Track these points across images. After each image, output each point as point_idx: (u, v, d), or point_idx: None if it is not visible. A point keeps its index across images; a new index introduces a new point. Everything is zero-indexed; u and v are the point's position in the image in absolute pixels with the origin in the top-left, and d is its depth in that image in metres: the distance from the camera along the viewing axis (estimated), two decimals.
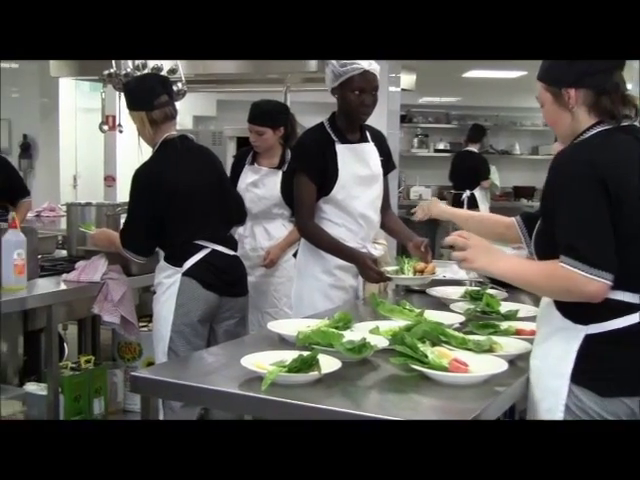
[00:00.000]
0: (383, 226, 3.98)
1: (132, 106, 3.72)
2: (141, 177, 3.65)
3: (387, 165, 3.90)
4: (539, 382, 2.32)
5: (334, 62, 3.66)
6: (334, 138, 3.70)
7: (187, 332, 3.59)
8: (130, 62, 5.18)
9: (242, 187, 4.81)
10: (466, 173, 9.75)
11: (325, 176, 3.69)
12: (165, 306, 3.63)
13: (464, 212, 3.32)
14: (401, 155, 7.83)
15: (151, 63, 5.17)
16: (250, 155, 4.88)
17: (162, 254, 3.69)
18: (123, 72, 5.12)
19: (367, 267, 3.54)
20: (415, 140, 11.43)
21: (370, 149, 3.81)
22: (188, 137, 3.82)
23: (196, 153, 3.84)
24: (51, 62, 6.54)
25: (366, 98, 3.65)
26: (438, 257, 6.65)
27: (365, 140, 3.82)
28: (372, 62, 3.65)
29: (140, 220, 3.65)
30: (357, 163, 3.73)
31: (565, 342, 2.25)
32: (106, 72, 5.18)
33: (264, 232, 4.79)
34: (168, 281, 3.64)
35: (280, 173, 4.78)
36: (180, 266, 3.62)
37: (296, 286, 3.85)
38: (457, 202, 9.80)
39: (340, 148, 3.69)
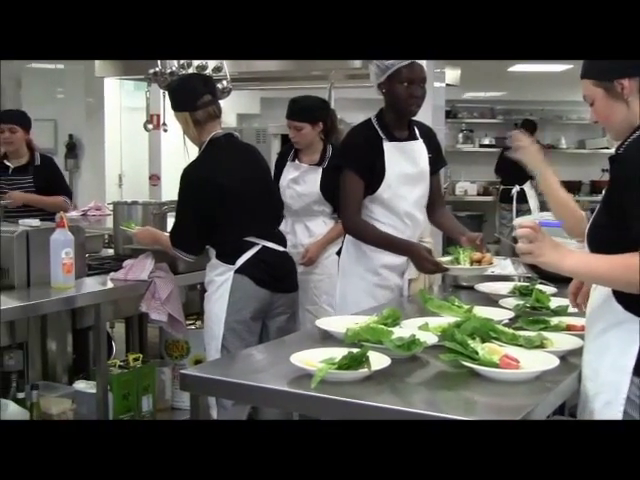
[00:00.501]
0: (435, 222, 3.93)
1: (176, 107, 3.73)
2: (190, 176, 3.65)
3: (437, 161, 3.86)
4: (596, 377, 2.28)
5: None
6: (382, 135, 3.66)
7: (240, 329, 3.59)
8: (175, 61, 5.20)
9: (284, 184, 4.81)
10: (515, 168, 9.63)
11: (372, 173, 3.65)
12: (217, 304, 3.63)
13: (556, 182, 3.12)
14: (446, 151, 7.74)
15: (196, 62, 5.19)
16: (292, 152, 4.87)
17: (213, 252, 3.69)
18: (168, 71, 5.15)
19: (422, 258, 3.48)
20: (460, 135, 11.35)
21: (418, 147, 3.76)
22: (234, 135, 3.82)
23: (242, 151, 3.84)
24: (96, 62, 6.60)
25: (415, 90, 3.60)
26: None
27: (413, 137, 3.77)
28: None
29: (190, 219, 3.65)
30: (404, 161, 3.68)
31: (627, 335, 2.21)
32: (151, 71, 5.21)
33: (305, 229, 4.79)
34: (220, 279, 3.64)
35: (320, 170, 4.76)
36: (232, 263, 3.61)
37: (340, 285, 3.83)
38: (506, 198, 9.70)
39: (388, 146, 3.65)
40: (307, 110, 4.75)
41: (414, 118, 3.77)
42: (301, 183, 4.79)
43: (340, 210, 3.83)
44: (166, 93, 5.54)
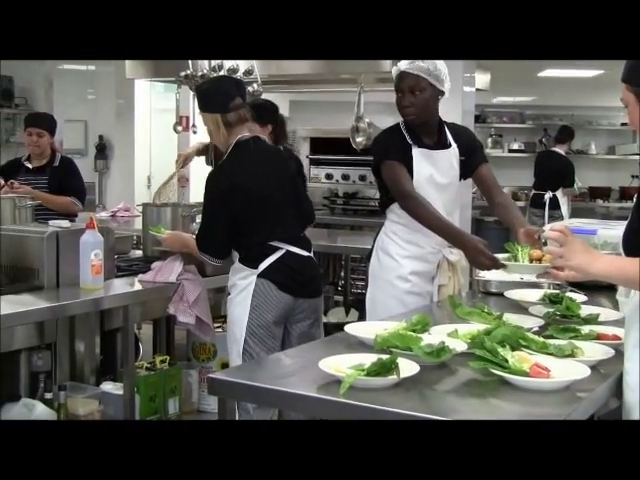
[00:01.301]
0: (496, 214, 3.84)
1: (207, 108, 3.70)
2: (216, 179, 3.64)
3: (472, 159, 3.80)
4: (637, 386, 2.25)
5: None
6: (410, 141, 3.66)
7: (262, 334, 3.57)
8: (207, 63, 5.22)
9: None
10: (551, 174, 9.58)
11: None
12: (239, 308, 3.61)
13: None
14: None
15: (227, 64, 5.20)
16: None
17: (236, 255, 3.67)
18: (199, 73, 5.16)
19: (479, 251, 3.35)
20: (489, 140, 11.29)
21: (447, 156, 3.74)
22: (260, 138, 3.80)
23: (269, 154, 3.82)
24: (127, 64, 6.64)
25: (404, 99, 3.63)
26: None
27: (443, 144, 3.75)
28: (418, 62, 3.59)
29: (216, 223, 3.63)
30: (432, 169, 3.67)
31: None
32: (183, 74, 5.22)
33: None
34: (243, 283, 3.62)
35: None
36: (255, 267, 3.59)
37: (370, 291, 3.82)
38: (538, 203, 9.65)
39: (416, 152, 3.64)
40: (256, 110, 4.67)
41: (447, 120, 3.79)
42: None
43: (397, 198, 3.68)
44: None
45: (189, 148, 5.13)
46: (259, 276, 3.58)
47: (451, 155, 3.76)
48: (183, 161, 5.27)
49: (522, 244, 3.26)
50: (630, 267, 2.23)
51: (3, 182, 5.44)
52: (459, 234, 3.54)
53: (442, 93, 3.68)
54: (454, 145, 3.76)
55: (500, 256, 3.33)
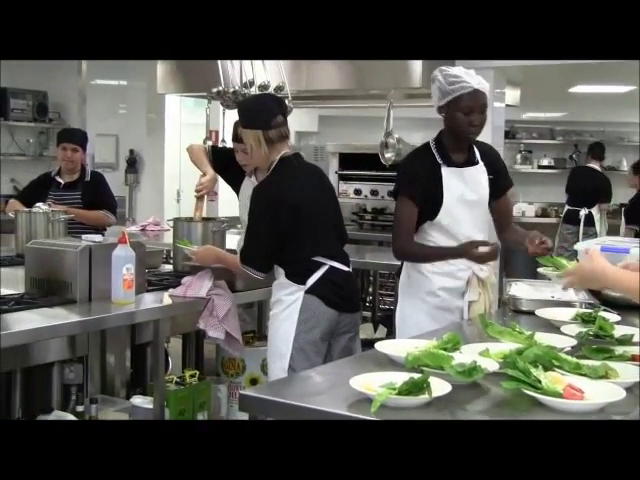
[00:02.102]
0: (504, 240, 3.96)
1: (249, 124, 3.71)
2: (263, 195, 3.65)
3: (501, 183, 3.85)
4: None
5: (441, 79, 3.60)
6: (439, 161, 3.66)
7: (308, 350, 3.57)
8: (238, 79, 5.24)
9: (242, 199, 4.62)
10: (586, 190, 9.48)
11: (429, 200, 3.66)
12: (285, 324, 3.61)
13: None
14: None
15: (258, 80, 5.22)
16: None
17: (281, 272, 3.67)
18: (231, 90, 5.18)
19: (472, 245, 3.60)
20: (518, 156, 11.27)
21: (477, 172, 3.76)
22: (300, 155, 3.82)
23: (310, 170, 3.84)
24: (158, 79, 6.71)
25: (475, 118, 3.60)
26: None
27: (472, 162, 3.76)
28: (481, 80, 3.59)
29: (263, 237, 3.64)
30: (463, 187, 3.68)
31: None
32: (214, 90, 5.25)
33: None
34: (289, 298, 3.61)
35: None
36: (303, 283, 3.60)
37: (399, 307, 3.83)
38: (572, 219, 9.55)
39: (446, 172, 3.65)
40: None
41: None
42: None
43: (392, 235, 3.79)
44: (226, 110, 5.63)
45: (207, 177, 4.96)
46: (306, 292, 3.59)
47: (480, 172, 3.77)
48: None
49: (531, 254, 3.51)
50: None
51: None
52: (450, 249, 3.70)
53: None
54: (481, 163, 3.78)
55: (542, 270, 3.44)
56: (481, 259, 3.65)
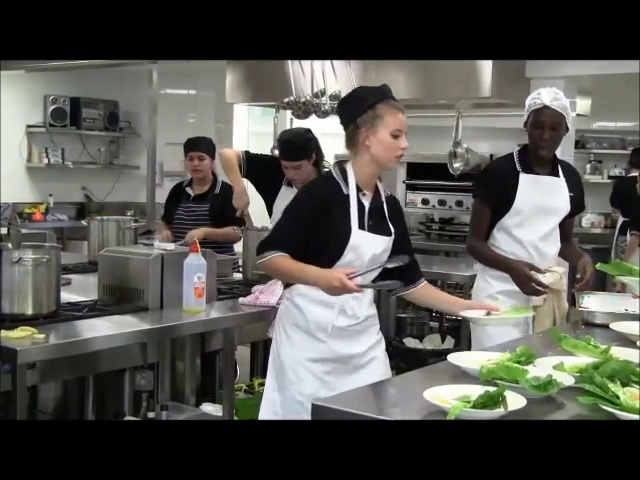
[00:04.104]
0: (564, 255, 4.07)
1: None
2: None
3: (576, 204, 3.95)
4: None
5: (529, 95, 3.80)
6: (519, 169, 3.76)
7: None
8: (309, 89, 5.26)
9: (279, 209, 4.65)
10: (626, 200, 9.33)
11: (502, 203, 3.81)
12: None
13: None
14: None
15: (329, 90, 5.23)
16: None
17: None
18: (302, 100, 5.20)
19: (525, 276, 3.67)
20: (588, 166, 11.09)
21: (558, 183, 3.87)
22: None
23: None
24: (227, 89, 6.77)
25: (543, 133, 3.73)
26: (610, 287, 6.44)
27: (555, 174, 3.84)
28: (558, 97, 3.67)
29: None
30: (539, 194, 3.77)
31: None
32: (286, 100, 5.27)
33: None
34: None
35: None
36: None
37: None
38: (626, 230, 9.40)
39: (523, 178, 3.76)
40: (302, 147, 4.60)
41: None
42: None
43: (469, 233, 4.02)
44: (293, 119, 5.65)
45: (236, 192, 4.96)
46: None
47: (561, 183, 3.88)
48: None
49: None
50: None
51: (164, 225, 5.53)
52: (504, 261, 3.80)
53: (567, 130, 3.80)
54: (563, 179, 3.88)
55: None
56: (524, 287, 3.72)
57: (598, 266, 3.61)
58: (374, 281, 3.21)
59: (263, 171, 4.82)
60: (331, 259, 3.12)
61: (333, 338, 3.17)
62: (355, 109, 3.15)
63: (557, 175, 3.86)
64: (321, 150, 4.86)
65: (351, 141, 3.17)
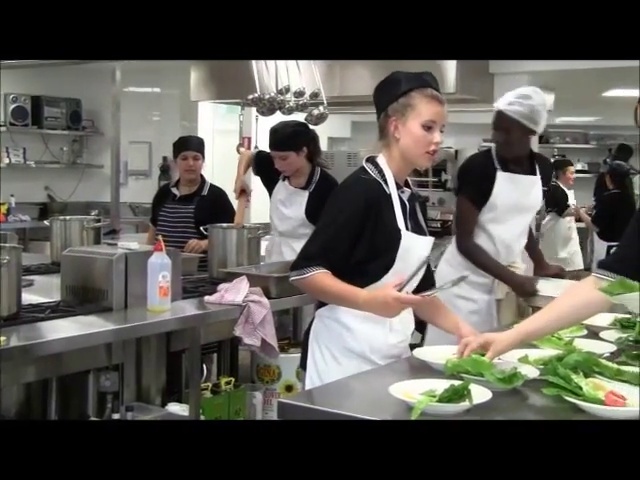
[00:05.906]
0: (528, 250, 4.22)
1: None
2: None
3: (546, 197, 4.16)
4: None
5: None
6: (497, 166, 3.82)
7: None
8: (273, 86, 5.23)
9: (274, 202, 4.79)
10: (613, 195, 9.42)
11: (485, 200, 3.91)
12: None
13: None
14: None
15: (294, 87, 5.20)
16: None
17: None
18: (266, 96, 5.17)
19: (526, 293, 3.81)
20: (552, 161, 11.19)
21: (533, 182, 3.98)
22: None
23: None
24: (192, 86, 6.74)
25: (497, 136, 3.94)
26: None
27: (531, 172, 3.97)
28: (513, 102, 3.81)
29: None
30: (515, 192, 3.84)
31: None
32: (250, 97, 5.23)
33: (291, 250, 4.77)
34: None
35: (307, 193, 4.79)
36: None
37: None
38: None
39: (501, 176, 3.81)
40: (289, 138, 4.68)
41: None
42: (287, 205, 4.85)
43: (459, 234, 4.01)
44: (259, 117, 5.64)
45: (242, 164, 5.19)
46: None
47: (537, 181, 3.98)
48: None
49: None
50: None
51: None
52: (508, 275, 3.91)
53: (533, 132, 3.86)
54: (539, 176, 4.01)
55: None
56: (521, 295, 3.88)
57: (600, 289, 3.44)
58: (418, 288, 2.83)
59: (267, 168, 4.88)
60: (384, 267, 2.78)
61: (386, 359, 2.85)
62: (387, 95, 2.85)
63: (534, 173, 3.93)
64: (317, 145, 4.89)
65: (382, 132, 2.86)
